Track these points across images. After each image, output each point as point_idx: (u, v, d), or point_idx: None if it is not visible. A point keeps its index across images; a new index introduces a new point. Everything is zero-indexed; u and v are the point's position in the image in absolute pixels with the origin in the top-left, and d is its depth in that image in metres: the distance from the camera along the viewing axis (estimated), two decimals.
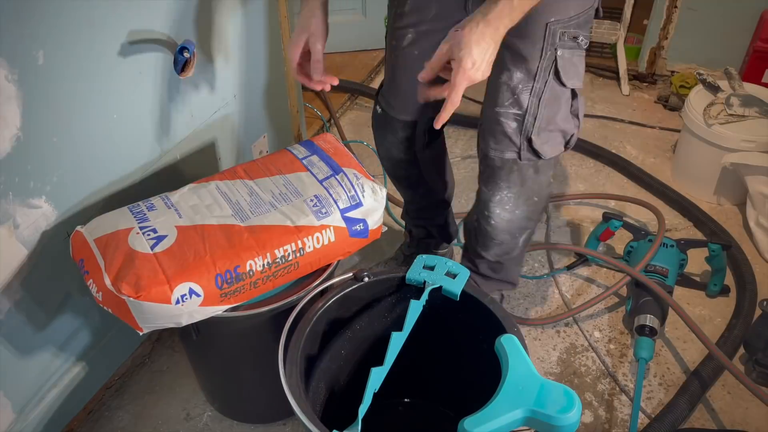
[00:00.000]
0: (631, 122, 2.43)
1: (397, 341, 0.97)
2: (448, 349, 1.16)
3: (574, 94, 1.20)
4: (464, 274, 1.07)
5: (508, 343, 0.90)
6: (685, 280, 1.72)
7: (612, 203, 2.03)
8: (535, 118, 1.18)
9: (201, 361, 1.35)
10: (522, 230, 1.37)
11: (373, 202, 1.15)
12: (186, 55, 1.30)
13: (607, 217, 1.74)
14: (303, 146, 1.26)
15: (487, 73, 0.95)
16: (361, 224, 1.14)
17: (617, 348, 1.58)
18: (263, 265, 1.04)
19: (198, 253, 1.01)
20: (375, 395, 0.92)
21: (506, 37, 1.09)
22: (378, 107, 1.41)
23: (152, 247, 1.02)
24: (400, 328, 0.99)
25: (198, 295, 0.99)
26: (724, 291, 1.70)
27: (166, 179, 1.42)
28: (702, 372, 1.45)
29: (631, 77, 2.66)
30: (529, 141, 1.20)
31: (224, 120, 1.57)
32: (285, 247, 1.06)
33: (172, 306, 0.97)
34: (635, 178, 2.12)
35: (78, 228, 1.07)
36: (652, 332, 1.49)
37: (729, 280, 1.72)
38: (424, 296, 1.04)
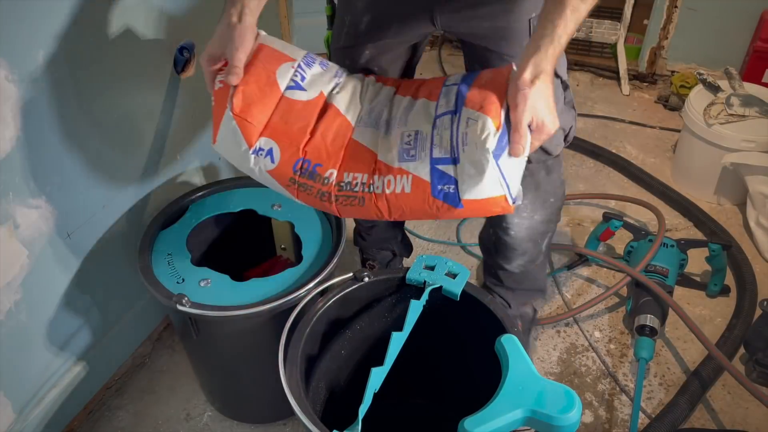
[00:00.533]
0: (631, 122, 2.43)
1: (397, 341, 0.97)
2: (448, 349, 1.16)
3: (565, 85, 1.16)
4: (464, 274, 1.07)
5: (508, 343, 0.90)
6: (686, 280, 1.72)
7: (612, 203, 2.03)
8: None
9: (201, 361, 1.35)
10: (543, 235, 1.32)
11: (471, 168, 0.87)
12: (186, 55, 1.31)
13: (607, 217, 1.74)
14: (467, 72, 1.04)
15: (556, 121, 0.90)
16: (451, 186, 0.89)
17: (617, 348, 1.58)
18: (333, 180, 0.96)
19: (305, 128, 0.97)
20: (375, 395, 0.92)
21: (485, 41, 1.06)
22: None
23: (286, 88, 0.98)
24: (400, 328, 0.99)
25: (272, 161, 0.96)
26: (725, 291, 1.70)
27: (167, 179, 1.42)
28: (702, 372, 1.45)
29: (631, 77, 2.66)
30: None
31: None
32: (355, 174, 0.96)
33: (249, 150, 0.95)
34: (635, 178, 2.12)
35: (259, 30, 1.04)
36: (652, 332, 1.49)
37: (729, 280, 1.72)
38: (425, 296, 1.04)
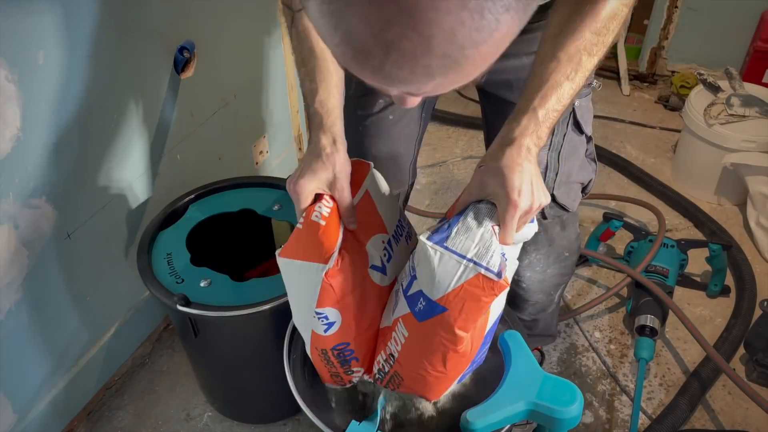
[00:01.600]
0: (631, 122, 2.43)
1: None
2: None
3: (588, 139, 1.09)
4: None
5: (511, 338, 0.91)
6: (686, 281, 1.72)
7: (612, 203, 2.03)
8: (557, 174, 1.08)
9: (201, 361, 1.34)
10: (557, 287, 1.29)
11: (425, 264, 0.78)
12: (186, 55, 1.31)
13: (607, 218, 1.74)
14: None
15: (544, 199, 0.77)
16: (421, 298, 0.79)
17: (618, 348, 1.58)
18: (356, 377, 0.92)
19: (368, 318, 0.89)
20: None
21: (505, 91, 1.02)
22: None
23: (371, 266, 0.87)
24: None
25: (324, 332, 0.87)
26: (725, 291, 1.70)
27: (166, 179, 1.42)
28: (702, 372, 1.45)
29: (631, 77, 2.66)
30: (552, 197, 1.09)
31: (224, 120, 1.57)
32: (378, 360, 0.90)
33: (314, 309, 0.86)
34: (635, 179, 2.12)
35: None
36: (652, 332, 1.49)
37: (729, 280, 1.72)
38: None
